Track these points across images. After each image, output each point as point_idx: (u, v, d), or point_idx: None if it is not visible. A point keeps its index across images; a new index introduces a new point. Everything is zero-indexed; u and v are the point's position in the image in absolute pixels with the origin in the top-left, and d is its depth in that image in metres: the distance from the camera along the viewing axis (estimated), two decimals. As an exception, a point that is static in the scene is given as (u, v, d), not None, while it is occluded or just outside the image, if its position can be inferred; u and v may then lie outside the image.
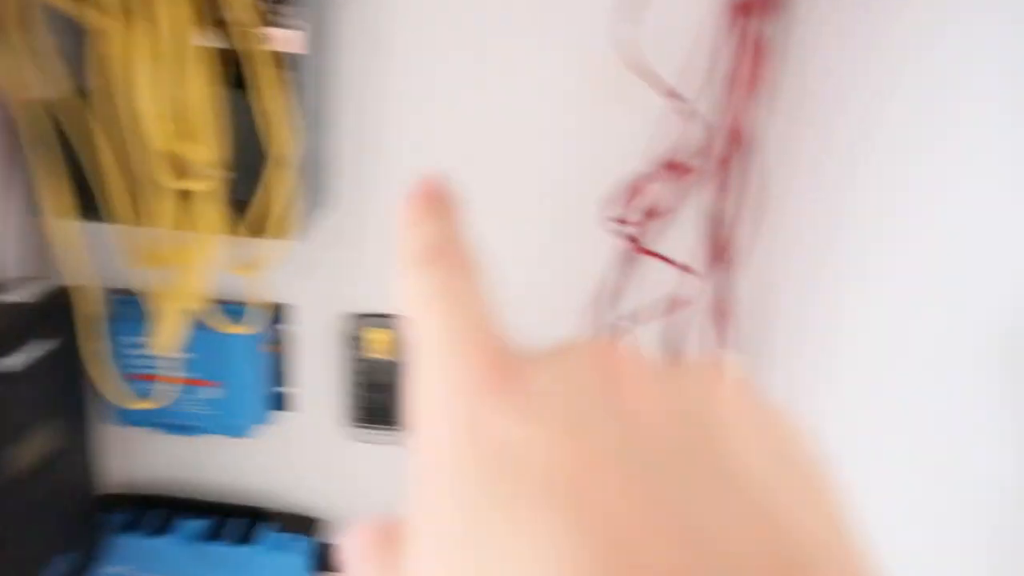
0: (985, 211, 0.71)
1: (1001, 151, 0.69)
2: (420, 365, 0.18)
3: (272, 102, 0.66)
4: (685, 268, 0.74)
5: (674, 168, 0.73)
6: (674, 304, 0.76)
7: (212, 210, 0.66)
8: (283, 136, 0.67)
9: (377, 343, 0.81)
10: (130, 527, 0.88)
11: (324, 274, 0.82)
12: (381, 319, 0.83)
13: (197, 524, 0.89)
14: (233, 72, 0.67)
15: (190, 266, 0.69)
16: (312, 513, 0.94)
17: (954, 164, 0.71)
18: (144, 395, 0.80)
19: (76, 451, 0.77)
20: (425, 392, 0.18)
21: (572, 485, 0.15)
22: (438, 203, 0.21)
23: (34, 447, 0.70)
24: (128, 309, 0.81)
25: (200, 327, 0.76)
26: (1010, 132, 0.67)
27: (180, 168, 0.69)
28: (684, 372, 0.18)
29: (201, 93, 0.65)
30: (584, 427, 0.16)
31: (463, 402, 0.17)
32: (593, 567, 0.14)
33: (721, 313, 0.70)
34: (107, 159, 0.67)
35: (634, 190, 0.73)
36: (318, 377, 0.87)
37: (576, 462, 0.15)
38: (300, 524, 0.92)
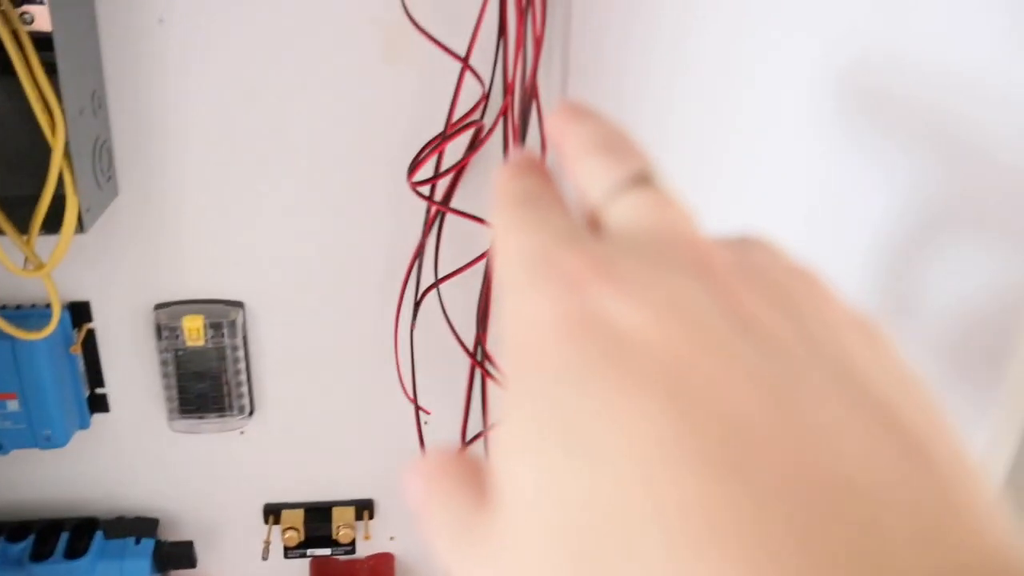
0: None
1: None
2: (506, 276, 0.17)
3: (35, 87, 0.62)
4: (480, 221, 0.76)
5: (466, 127, 0.75)
6: (480, 257, 0.79)
7: (-19, 210, 0.62)
8: (53, 123, 0.64)
9: (189, 330, 0.79)
10: (-58, 560, 0.82)
11: (121, 265, 0.79)
12: (188, 305, 0.81)
13: (19, 546, 0.84)
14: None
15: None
16: (147, 513, 0.91)
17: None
18: (-65, 417, 0.74)
19: None
20: (513, 298, 0.17)
21: (679, 367, 0.15)
22: (530, 167, 0.21)
23: None
24: (-97, 328, 0.75)
25: (-11, 337, 0.72)
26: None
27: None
28: (780, 269, 0.18)
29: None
30: (691, 305, 0.15)
31: (559, 295, 0.16)
32: (709, 454, 0.14)
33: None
34: None
35: (432, 151, 0.75)
36: (131, 373, 0.84)
37: (684, 339, 0.15)
38: (136, 527, 0.89)
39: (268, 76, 0.74)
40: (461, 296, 0.82)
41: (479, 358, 0.81)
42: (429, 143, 0.76)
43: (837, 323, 0.17)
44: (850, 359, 0.16)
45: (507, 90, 0.73)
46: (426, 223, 0.78)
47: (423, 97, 0.76)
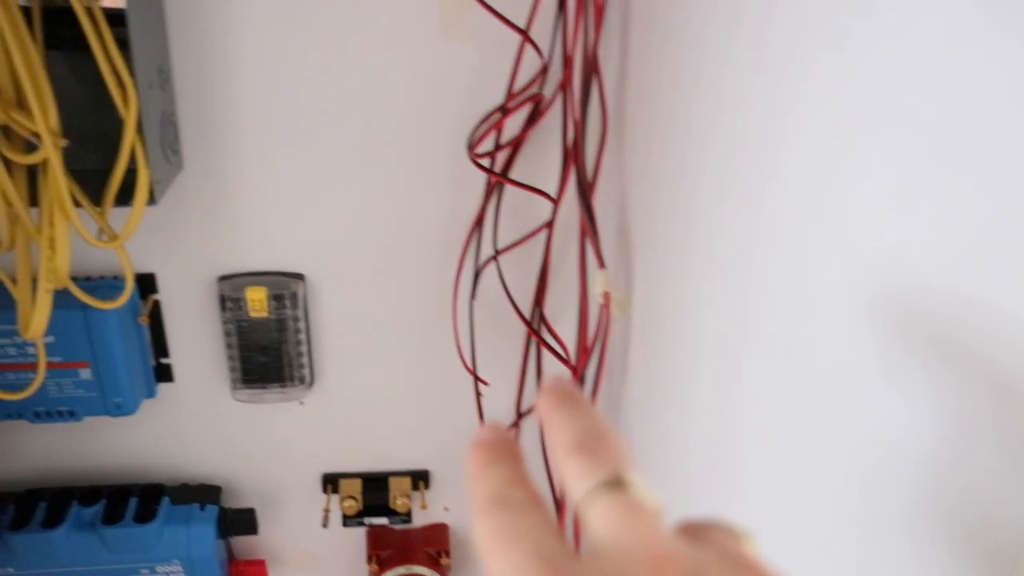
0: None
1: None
2: None
3: (108, 62, 0.64)
4: (542, 193, 0.76)
5: (526, 99, 0.75)
6: (539, 228, 0.79)
7: (59, 182, 0.64)
8: (126, 97, 0.65)
9: (252, 302, 0.80)
10: (15, 525, 0.85)
11: (185, 238, 0.80)
12: (251, 277, 0.82)
13: (92, 510, 0.87)
14: (67, 33, 0.64)
15: (51, 244, 0.67)
16: (210, 481, 0.93)
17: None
18: (8, 386, 0.77)
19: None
20: None
21: None
22: (498, 451, 0.24)
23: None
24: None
25: (62, 306, 0.74)
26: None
27: (18, 140, 0.66)
28: (728, 561, 0.21)
29: (29, 57, 0.62)
30: None
31: None
32: None
33: (584, 233, 0.73)
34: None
35: (492, 127, 0.75)
36: (194, 343, 0.85)
37: None
38: (200, 493, 0.91)
39: (329, 50, 0.74)
40: (519, 268, 0.82)
41: (535, 327, 0.82)
42: (488, 117, 0.76)
43: None
44: None
45: (567, 62, 0.73)
46: (485, 195, 0.79)
47: (482, 69, 0.76)
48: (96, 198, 0.68)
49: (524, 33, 0.71)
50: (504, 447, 0.24)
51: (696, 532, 0.22)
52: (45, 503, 0.87)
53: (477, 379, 0.85)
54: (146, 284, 0.82)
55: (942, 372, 0.29)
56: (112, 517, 0.86)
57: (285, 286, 0.82)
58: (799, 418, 0.41)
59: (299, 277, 0.83)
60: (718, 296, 0.54)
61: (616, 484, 0.22)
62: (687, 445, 0.61)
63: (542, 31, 0.73)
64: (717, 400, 0.54)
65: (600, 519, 0.21)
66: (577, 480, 0.22)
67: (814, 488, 0.39)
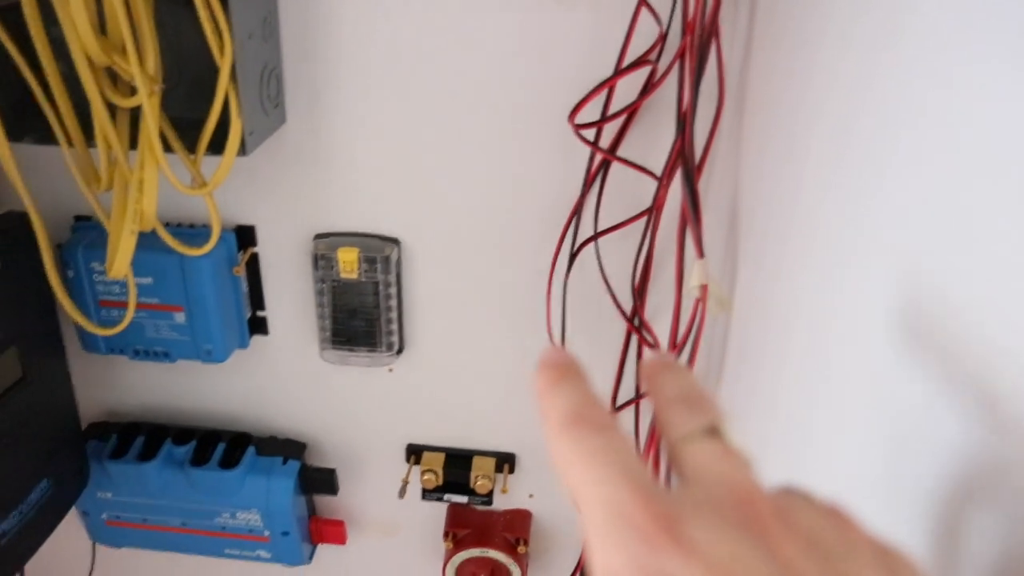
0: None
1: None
2: (588, 518, 0.20)
3: (207, 8, 0.63)
4: (647, 172, 0.70)
5: (638, 65, 0.69)
6: (644, 212, 0.73)
7: (151, 126, 0.64)
8: (222, 46, 0.64)
9: (343, 262, 0.79)
10: (115, 454, 0.89)
11: (286, 193, 0.80)
12: (346, 237, 0.81)
13: (182, 449, 0.89)
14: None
15: (140, 187, 0.68)
16: (296, 436, 0.94)
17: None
18: (110, 322, 0.79)
19: (48, 379, 0.77)
20: (598, 541, 0.20)
21: None
22: (567, 370, 0.24)
23: (2, 373, 0.71)
24: (90, 234, 0.80)
25: (161, 251, 0.75)
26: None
27: (122, 84, 0.67)
28: (812, 510, 0.22)
29: (135, 3, 0.62)
30: (739, 566, 0.19)
31: (635, 549, 0.19)
32: None
33: (688, 215, 0.66)
34: (50, 77, 0.65)
35: (598, 89, 0.69)
36: (290, 299, 0.85)
37: None
38: (285, 447, 0.92)
39: (439, 13, 0.71)
40: (620, 251, 0.77)
41: (636, 323, 0.76)
42: (597, 87, 0.70)
43: (862, 556, 0.21)
44: None
45: (686, 30, 0.66)
46: (589, 171, 0.73)
47: (595, 38, 0.71)
48: (193, 147, 0.68)
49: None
50: (572, 367, 0.24)
51: (779, 491, 0.23)
52: (142, 437, 0.90)
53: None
54: (246, 236, 0.82)
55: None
56: (200, 459, 0.89)
57: (379, 249, 0.80)
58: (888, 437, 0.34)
59: (394, 242, 0.81)
60: (835, 306, 0.47)
61: (712, 432, 0.23)
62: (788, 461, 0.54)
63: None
64: (820, 419, 0.47)
65: (695, 457, 0.22)
66: (676, 425, 0.23)
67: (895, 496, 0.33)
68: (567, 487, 0.21)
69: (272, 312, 0.86)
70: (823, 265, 0.46)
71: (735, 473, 0.22)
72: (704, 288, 0.64)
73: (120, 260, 0.67)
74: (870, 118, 0.40)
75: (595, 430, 0.22)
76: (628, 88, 0.70)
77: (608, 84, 0.68)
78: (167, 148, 0.67)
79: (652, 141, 0.73)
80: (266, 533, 0.91)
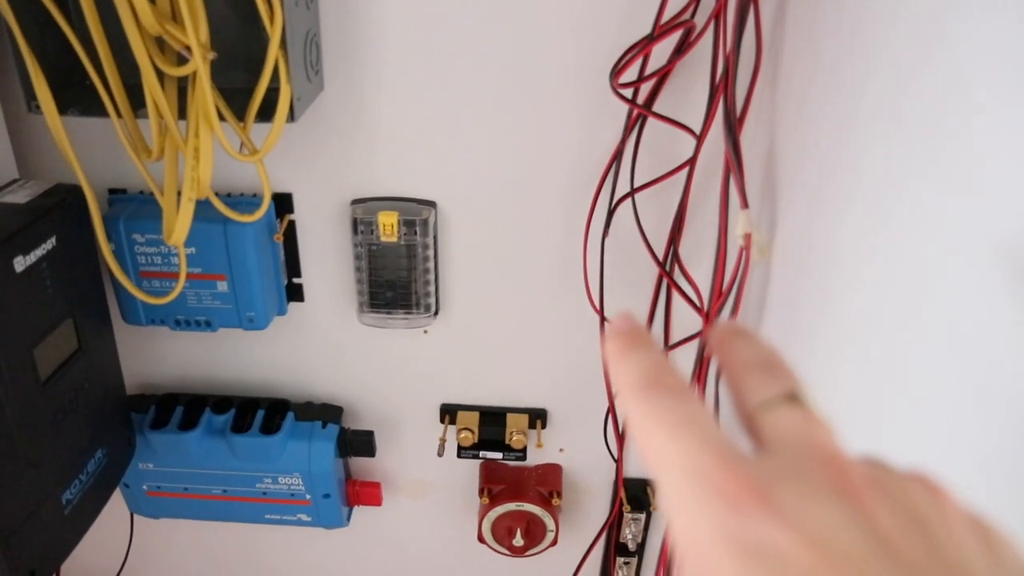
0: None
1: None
2: (668, 485, 0.20)
3: (256, -22, 0.64)
4: (686, 128, 0.72)
5: (675, 27, 0.71)
6: (681, 166, 0.75)
7: (206, 94, 0.65)
8: (272, 14, 0.65)
9: (383, 226, 0.81)
10: (157, 424, 0.90)
11: (322, 159, 0.81)
12: (384, 202, 0.82)
13: (222, 418, 0.91)
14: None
15: (195, 155, 0.68)
16: (333, 401, 0.95)
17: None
18: (153, 292, 0.80)
19: (99, 349, 0.78)
20: (680, 508, 0.19)
21: None
22: (638, 337, 0.23)
23: (59, 346, 0.71)
24: (130, 206, 0.80)
25: (204, 220, 0.76)
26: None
27: (171, 53, 0.67)
28: (902, 479, 0.21)
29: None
30: (836, 533, 0.18)
31: (723, 516, 0.19)
32: None
33: (728, 171, 0.69)
34: (99, 48, 0.66)
35: (638, 53, 0.71)
36: (326, 265, 0.87)
37: (834, 564, 0.18)
38: (323, 412, 0.94)
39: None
40: (655, 206, 0.79)
41: (668, 269, 0.79)
42: (635, 45, 0.72)
43: (957, 527, 0.20)
44: (971, 562, 0.19)
45: (723, -12, 0.68)
46: (626, 128, 0.75)
47: (630, -3, 0.73)
48: (239, 114, 0.69)
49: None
50: (642, 334, 0.24)
51: (862, 459, 0.22)
52: (182, 407, 0.91)
53: (604, 319, 0.83)
54: (283, 204, 0.83)
55: None
56: (240, 427, 0.90)
57: (417, 212, 0.81)
58: (946, 377, 0.37)
59: (431, 204, 0.83)
60: (873, 247, 0.50)
61: (792, 398, 0.22)
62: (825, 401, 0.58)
63: (698, -45, 0.68)
64: (862, 356, 0.50)
65: (776, 425, 0.22)
66: (755, 391, 0.23)
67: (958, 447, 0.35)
68: (644, 454, 0.21)
69: (309, 278, 0.88)
70: (884, 215, 0.48)
71: (820, 440, 0.21)
72: (748, 236, 0.67)
73: (179, 228, 0.68)
74: (936, 71, 0.43)
75: (672, 395, 0.21)
76: (661, 47, 0.72)
77: (648, 46, 0.70)
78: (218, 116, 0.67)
79: (682, 98, 0.76)
80: (307, 497, 0.93)
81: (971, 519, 0.21)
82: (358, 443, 0.94)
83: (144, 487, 0.94)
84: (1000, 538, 0.20)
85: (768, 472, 0.19)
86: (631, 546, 1.01)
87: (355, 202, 0.83)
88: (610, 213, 0.79)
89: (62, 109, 0.69)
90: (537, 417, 0.95)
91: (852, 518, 0.18)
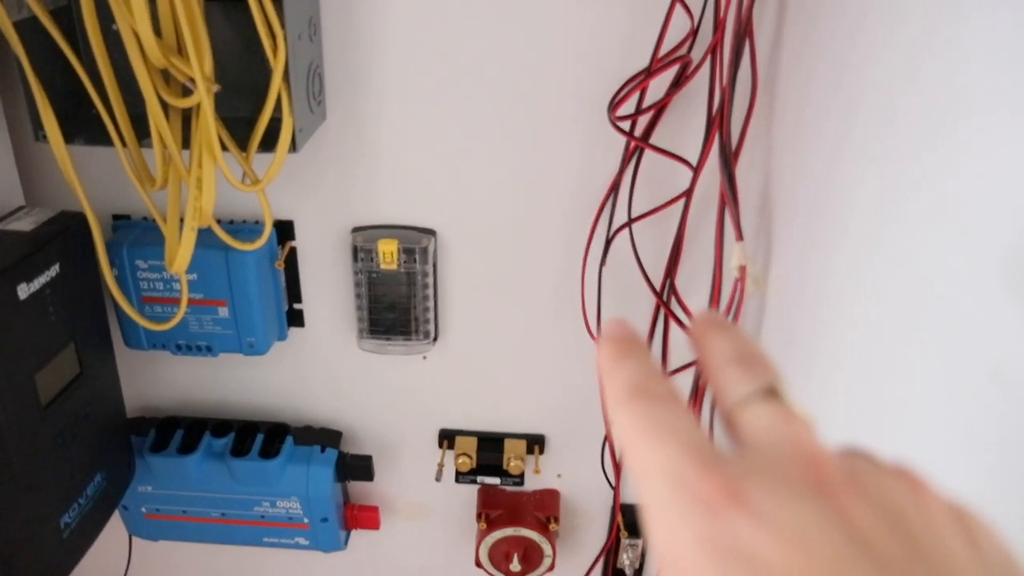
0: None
1: None
2: (648, 491, 0.20)
3: (261, 11, 0.65)
4: (683, 161, 0.73)
5: (672, 62, 0.72)
6: (677, 197, 0.76)
7: (210, 125, 0.66)
8: (276, 47, 0.66)
9: (383, 253, 0.81)
10: (156, 447, 0.90)
11: (323, 188, 0.82)
12: (384, 230, 0.83)
13: (222, 441, 0.91)
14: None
15: (198, 184, 0.69)
16: (332, 425, 0.96)
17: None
18: (155, 318, 0.81)
19: (100, 374, 0.79)
20: (659, 514, 0.19)
21: None
22: (629, 344, 0.23)
23: (60, 371, 0.72)
24: (133, 232, 0.81)
25: (206, 246, 0.77)
26: None
27: (174, 85, 0.68)
28: (881, 473, 0.21)
29: (190, 6, 0.64)
30: (811, 532, 0.18)
31: (699, 520, 0.19)
32: None
33: (724, 203, 0.70)
34: (105, 79, 0.67)
35: (635, 87, 0.73)
36: (326, 291, 0.88)
37: (809, 563, 0.18)
38: (322, 436, 0.94)
39: (472, 9, 0.74)
40: (652, 237, 0.80)
41: (665, 299, 0.79)
42: (633, 78, 0.74)
43: (937, 520, 0.20)
44: (952, 555, 0.19)
45: (718, 26, 0.70)
46: (623, 159, 0.76)
47: (630, 32, 0.74)
48: (242, 144, 0.70)
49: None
50: (635, 341, 0.24)
51: (842, 452, 0.22)
52: (182, 431, 0.92)
53: (600, 348, 0.83)
54: (284, 231, 0.84)
55: None
56: (239, 450, 0.91)
57: (416, 240, 0.82)
58: (946, 423, 0.38)
59: (431, 232, 0.84)
60: (869, 284, 0.51)
61: (771, 393, 0.22)
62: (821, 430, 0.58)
63: (694, -8, 0.69)
64: (857, 390, 0.51)
65: (756, 421, 0.22)
66: (732, 387, 0.23)
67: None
68: (628, 461, 0.21)
69: (309, 304, 0.89)
70: (880, 249, 0.49)
71: (798, 436, 0.21)
72: (743, 268, 0.67)
73: (182, 256, 0.69)
74: (917, 100, 0.44)
75: (656, 402, 0.21)
76: (658, 81, 0.73)
77: (646, 79, 0.71)
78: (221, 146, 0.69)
79: (679, 130, 0.77)
80: (305, 520, 0.94)
81: (953, 510, 0.20)
82: (357, 467, 0.95)
83: (143, 510, 0.94)
84: (983, 528, 0.20)
85: (745, 472, 0.19)
86: (628, 572, 1.01)
87: (356, 230, 0.84)
88: (608, 242, 0.80)
89: (68, 138, 0.70)
90: (535, 443, 0.95)
91: (828, 517, 0.18)
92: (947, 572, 0.18)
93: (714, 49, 0.70)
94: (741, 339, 0.24)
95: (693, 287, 0.81)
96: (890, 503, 0.19)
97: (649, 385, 0.22)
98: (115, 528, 0.99)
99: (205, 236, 0.73)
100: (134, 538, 1.00)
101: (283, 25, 0.66)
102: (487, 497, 0.98)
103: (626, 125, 0.74)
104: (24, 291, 0.66)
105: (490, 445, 0.95)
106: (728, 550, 0.18)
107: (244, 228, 0.83)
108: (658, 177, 0.78)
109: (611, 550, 1.00)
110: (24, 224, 0.71)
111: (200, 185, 0.68)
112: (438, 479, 0.94)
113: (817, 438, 0.21)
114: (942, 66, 0.41)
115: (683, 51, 0.72)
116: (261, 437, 0.92)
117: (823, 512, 0.19)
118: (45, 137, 0.69)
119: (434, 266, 0.85)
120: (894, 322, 0.46)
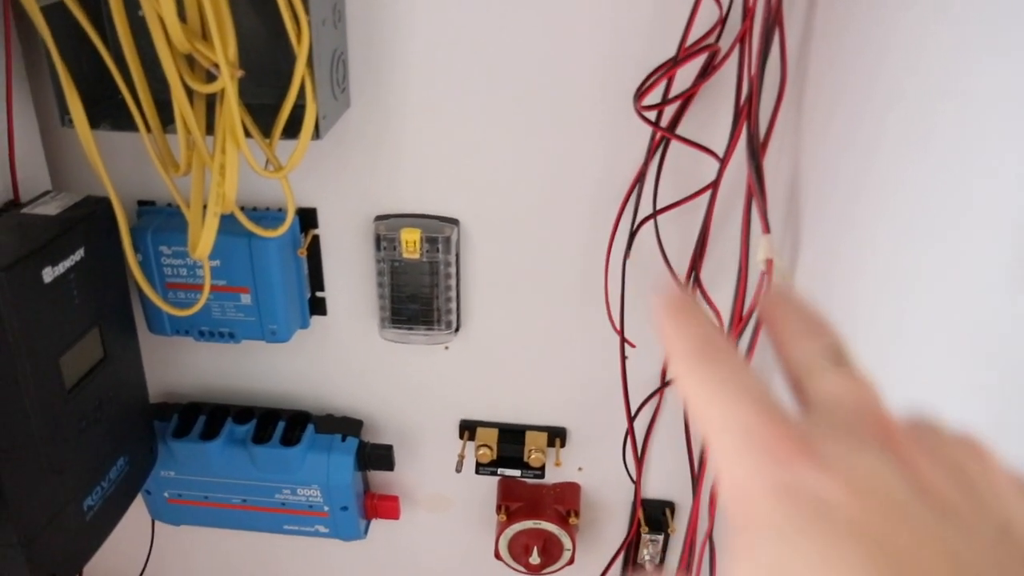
0: None
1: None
2: (721, 447, 0.20)
3: (285, -2, 0.65)
4: (709, 152, 0.72)
5: (699, 51, 0.71)
6: (704, 189, 0.75)
7: (234, 111, 0.66)
8: (299, 33, 0.66)
9: (406, 242, 0.81)
10: (179, 433, 0.91)
11: (347, 176, 0.82)
12: (407, 219, 0.83)
13: (244, 428, 0.92)
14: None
15: (221, 171, 0.69)
16: (353, 414, 0.96)
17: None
18: (178, 303, 0.81)
19: (124, 359, 0.79)
20: (731, 468, 0.20)
21: (875, 529, 0.18)
22: (690, 305, 0.24)
23: (84, 355, 0.72)
24: (157, 218, 0.82)
25: (229, 233, 0.77)
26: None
27: (198, 70, 0.68)
28: (948, 439, 0.21)
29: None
30: (879, 480, 0.19)
31: (771, 470, 0.19)
32: None
33: (751, 195, 0.69)
34: (131, 64, 0.67)
35: (662, 76, 0.72)
36: (348, 280, 0.88)
37: (878, 507, 0.18)
38: (343, 425, 0.94)
39: (500, -6, 0.73)
40: (677, 229, 0.79)
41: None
42: (659, 67, 0.72)
43: (1000, 486, 0.20)
44: (1013, 516, 0.19)
45: (747, 14, 0.68)
46: (649, 149, 0.75)
47: (657, 20, 0.73)
48: (266, 131, 0.70)
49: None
50: (692, 301, 0.24)
51: (908, 417, 0.23)
52: (204, 416, 0.92)
53: (624, 340, 0.83)
54: (307, 218, 0.84)
55: None
56: (261, 437, 0.91)
57: (439, 230, 0.82)
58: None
59: (454, 222, 0.83)
60: (898, 275, 0.49)
61: (837, 361, 0.23)
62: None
63: (724, -21, 0.68)
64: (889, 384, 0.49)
65: (824, 386, 0.22)
66: (801, 356, 0.23)
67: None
68: (697, 417, 0.21)
69: (332, 292, 0.89)
70: (910, 243, 0.48)
71: (865, 398, 0.22)
72: (770, 262, 0.66)
73: (204, 242, 0.69)
74: (959, 99, 0.43)
75: (724, 361, 0.22)
76: (685, 70, 0.72)
77: (673, 68, 0.70)
78: (244, 133, 0.68)
79: (706, 121, 0.75)
80: (325, 508, 0.94)
81: (1016, 480, 0.21)
82: (377, 457, 0.95)
83: (165, 494, 0.95)
84: None
85: (814, 427, 0.20)
86: (649, 567, 1.00)
87: (378, 218, 0.83)
88: (632, 234, 0.79)
89: (94, 123, 0.70)
90: (556, 435, 0.95)
91: (896, 468, 0.19)
92: (1011, 530, 0.19)
93: (743, 38, 0.69)
94: (808, 311, 0.25)
95: (718, 280, 0.80)
96: (956, 463, 0.20)
97: (714, 344, 0.22)
98: (138, 512, 0.99)
99: (228, 223, 0.73)
100: (156, 522, 1.01)
101: (307, 10, 0.65)
102: (507, 489, 0.98)
103: (652, 115, 0.73)
104: (49, 275, 0.66)
105: (511, 437, 0.94)
106: (799, 495, 0.19)
107: (267, 215, 0.83)
108: (684, 168, 0.77)
109: (631, 545, 1.00)
110: (50, 208, 0.72)
111: (223, 171, 0.68)
112: (458, 470, 0.94)
113: (884, 401, 0.22)
114: (989, 61, 0.40)
115: (711, 40, 0.71)
116: (283, 424, 0.92)
117: (891, 464, 0.19)
118: (71, 122, 0.69)
119: (457, 256, 0.84)
120: (929, 324, 0.45)
